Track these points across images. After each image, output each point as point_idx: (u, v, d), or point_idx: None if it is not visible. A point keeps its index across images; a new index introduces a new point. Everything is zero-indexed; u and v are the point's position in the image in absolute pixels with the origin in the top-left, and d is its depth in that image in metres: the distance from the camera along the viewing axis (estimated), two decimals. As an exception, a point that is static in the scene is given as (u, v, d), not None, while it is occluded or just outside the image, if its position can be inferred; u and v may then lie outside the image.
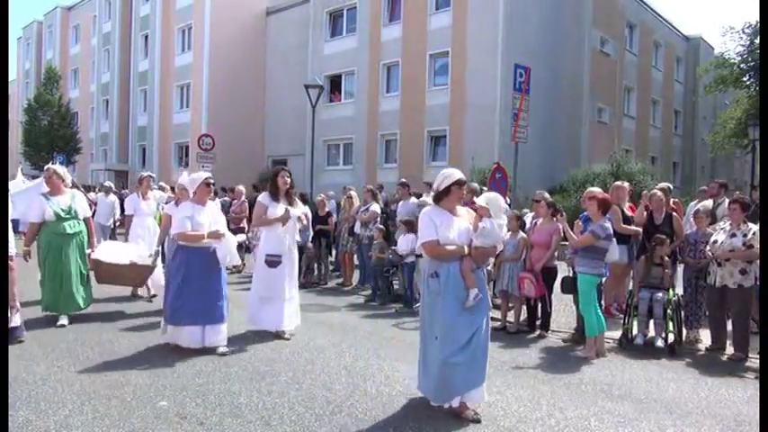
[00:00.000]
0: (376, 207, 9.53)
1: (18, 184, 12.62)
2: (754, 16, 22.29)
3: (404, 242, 8.13)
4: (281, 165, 27.19)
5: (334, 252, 11.05)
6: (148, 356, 5.33)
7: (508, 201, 9.36)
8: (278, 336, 6.09)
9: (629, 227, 6.91)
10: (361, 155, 24.12)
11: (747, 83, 22.32)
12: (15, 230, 16.18)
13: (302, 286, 9.88)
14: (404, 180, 10.58)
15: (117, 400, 4.16)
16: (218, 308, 5.53)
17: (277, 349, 5.72)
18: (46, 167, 6.83)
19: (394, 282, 8.88)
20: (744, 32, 21.88)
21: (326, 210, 10.56)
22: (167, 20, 30.44)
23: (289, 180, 6.16)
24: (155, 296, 7.80)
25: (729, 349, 5.92)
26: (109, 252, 7.01)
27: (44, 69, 36.56)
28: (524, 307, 7.05)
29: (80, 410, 3.96)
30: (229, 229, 13.41)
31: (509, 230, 7.18)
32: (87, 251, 6.77)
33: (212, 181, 5.64)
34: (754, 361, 5.59)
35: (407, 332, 6.69)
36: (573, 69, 23.24)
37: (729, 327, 6.14)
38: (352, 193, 10.42)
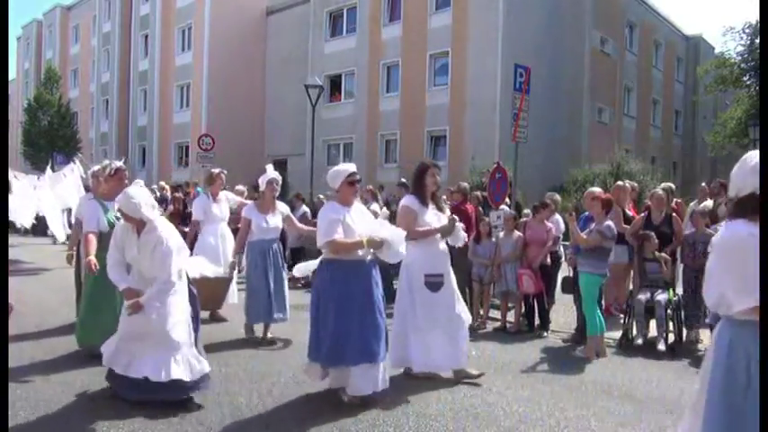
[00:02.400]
0: (376, 207, 9.52)
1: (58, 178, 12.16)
2: (754, 16, 22.28)
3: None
4: (280, 165, 27.42)
5: None
6: (148, 356, 5.32)
7: (508, 201, 9.35)
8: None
9: (628, 227, 6.92)
10: (361, 155, 24.10)
11: (748, 83, 22.32)
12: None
13: (303, 286, 9.89)
14: (403, 180, 10.57)
15: (117, 400, 4.16)
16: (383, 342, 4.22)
17: (277, 350, 5.72)
18: (104, 164, 5.39)
19: (394, 282, 8.87)
20: (744, 32, 21.89)
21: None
22: (167, 19, 30.44)
23: (438, 179, 4.93)
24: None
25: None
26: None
27: (44, 69, 36.55)
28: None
29: (80, 410, 3.96)
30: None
31: (502, 230, 7.20)
32: None
33: (358, 177, 4.45)
34: (754, 361, 5.58)
35: (407, 332, 6.68)
36: (573, 69, 23.24)
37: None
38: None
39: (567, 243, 7.58)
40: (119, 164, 5.30)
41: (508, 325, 6.86)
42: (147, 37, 32.11)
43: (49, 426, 3.70)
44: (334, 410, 4.08)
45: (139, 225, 4.00)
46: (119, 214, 4.50)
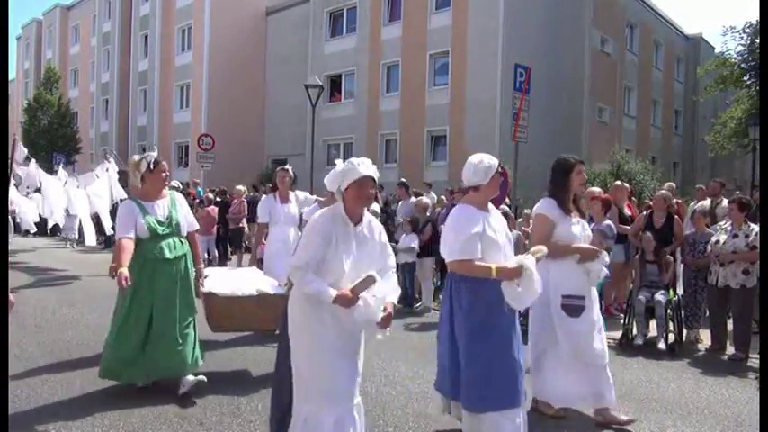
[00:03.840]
0: (376, 207, 9.52)
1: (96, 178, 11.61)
2: (754, 15, 22.27)
3: (405, 242, 8.13)
4: (280, 165, 27.37)
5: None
6: (148, 356, 5.32)
7: (508, 201, 9.36)
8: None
9: (625, 226, 6.92)
10: (361, 155, 23.73)
11: (748, 83, 22.29)
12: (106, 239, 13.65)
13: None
14: (403, 180, 10.58)
15: (117, 399, 4.16)
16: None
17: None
18: (143, 156, 4.34)
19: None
20: (744, 32, 21.86)
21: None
22: (167, 20, 30.44)
23: (585, 176, 4.08)
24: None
25: (730, 349, 5.92)
26: (224, 281, 4.69)
27: (44, 69, 36.56)
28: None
29: (80, 410, 3.95)
30: (228, 230, 13.28)
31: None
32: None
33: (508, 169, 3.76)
34: (754, 361, 5.58)
35: (408, 332, 6.69)
36: (573, 69, 23.23)
37: (729, 327, 6.14)
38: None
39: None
40: (154, 155, 4.30)
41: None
42: (147, 37, 32.10)
43: (48, 426, 3.70)
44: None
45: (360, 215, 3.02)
46: (162, 218, 4.10)
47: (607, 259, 4.02)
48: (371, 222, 3.09)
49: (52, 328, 6.37)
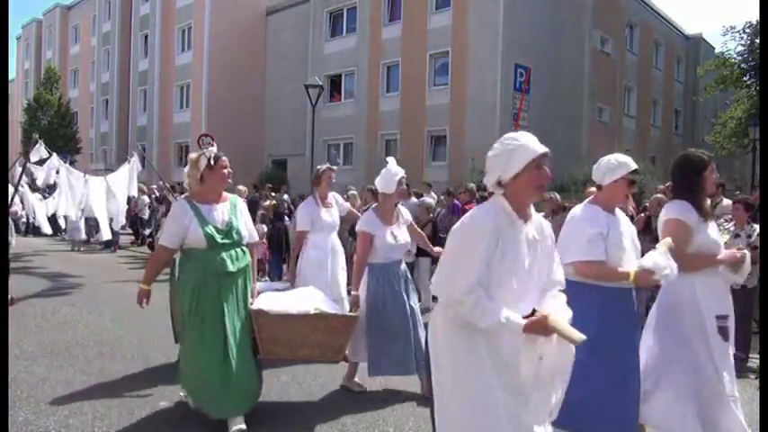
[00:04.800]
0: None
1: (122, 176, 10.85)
2: (754, 15, 22.27)
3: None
4: (280, 165, 27.44)
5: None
6: (148, 356, 5.32)
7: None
8: None
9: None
10: (361, 155, 24.10)
11: (748, 83, 22.29)
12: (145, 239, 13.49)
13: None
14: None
15: (117, 400, 4.16)
16: None
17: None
18: (202, 152, 3.68)
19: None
20: (744, 32, 21.86)
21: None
22: (167, 19, 30.44)
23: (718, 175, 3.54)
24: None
25: (730, 349, 5.91)
26: (277, 299, 3.97)
27: (44, 69, 36.59)
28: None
29: (80, 410, 3.95)
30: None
31: None
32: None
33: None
34: (754, 361, 5.58)
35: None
36: (573, 69, 23.22)
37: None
38: (352, 192, 10.41)
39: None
40: (214, 149, 3.68)
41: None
42: (147, 37, 32.12)
43: (48, 426, 3.69)
44: (335, 410, 4.08)
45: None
46: (221, 224, 3.48)
47: (748, 266, 3.40)
48: (541, 221, 2.40)
49: (52, 328, 6.37)
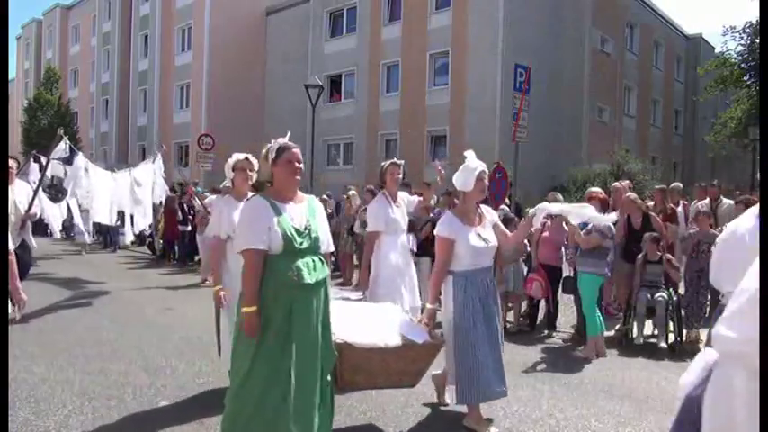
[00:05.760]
0: (376, 207, 9.50)
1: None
2: (754, 15, 22.26)
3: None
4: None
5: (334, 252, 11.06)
6: (148, 356, 5.32)
7: (507, 201, 9.36)
8: None
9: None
10: (361, 155, 24.11)
11: (748, 83, 22.28)
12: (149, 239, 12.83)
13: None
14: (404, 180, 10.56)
15: (117, 400, 4.16)
16: None
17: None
18: (269, 146, 3.10)
19: None
20: (744, 32, 21.85)
21: (329, 211, 10.57)
22: (167, 19, 30.45)
23: None
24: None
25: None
26: (356, 323, 3.52)
27: (44, 69, 36.58)
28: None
29: (80, 410, 3.95)
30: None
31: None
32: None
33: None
34: (754, 361, 5.58)
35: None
36: (573, 69, 23.23)
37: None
38: (352, 192, 10.42)
39: (565, 243, 7.58)
40: (283, 139, 3.12)
41: (508, 325, 6.85)
42: (147, 37, 32.12)
43: (48, 426, 3.70)
44: (335, 410, 4.07)
45: None
46: (300, 227, 2.93)
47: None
48: None
49: (52, 328, 6.37)
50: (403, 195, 5.10)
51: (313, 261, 2.98)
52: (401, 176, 4.94)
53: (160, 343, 5.76)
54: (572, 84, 23.11)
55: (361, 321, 3.52)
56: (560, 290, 6.64)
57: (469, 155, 3.91)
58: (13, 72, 47.31)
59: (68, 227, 14.18)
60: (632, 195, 6.80)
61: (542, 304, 6.94)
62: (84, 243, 14.48)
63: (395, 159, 5.07)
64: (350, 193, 10.38)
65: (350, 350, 3.31)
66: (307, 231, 2.99)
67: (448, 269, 3.72)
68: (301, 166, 3.07)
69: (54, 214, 10.45)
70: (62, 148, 8.91)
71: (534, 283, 6.49)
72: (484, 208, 3.97)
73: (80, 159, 9.57)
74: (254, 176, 3.75)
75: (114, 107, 34.53)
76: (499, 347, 3.77)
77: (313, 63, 25.47)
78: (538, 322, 6.92)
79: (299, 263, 2.91)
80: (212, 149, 18.24)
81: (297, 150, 3.07)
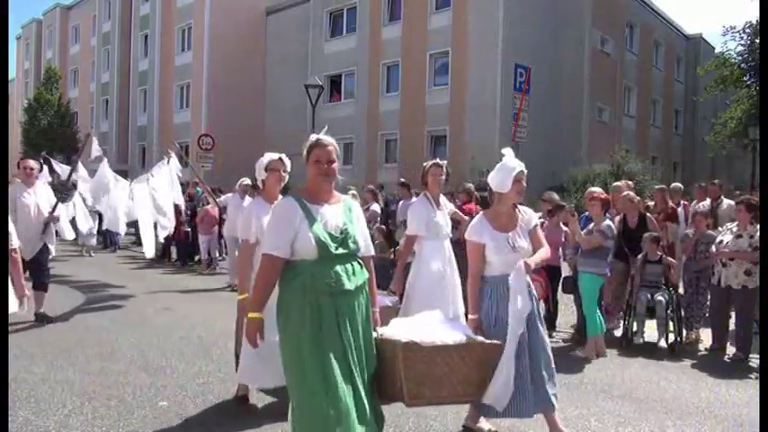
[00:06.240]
0: (376, 207, 9.53)
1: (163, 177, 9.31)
2: (754, 15, 22.25)
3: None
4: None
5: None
6: (148, 356, 5.32)
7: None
8: None
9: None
10: (361, 155, 24.12)
11: (748, 83, 22.28)
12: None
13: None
14: (403, 180, 10.58)
15: (117, 400, 4.16)
16: None
17: (277, 349, 5.70)
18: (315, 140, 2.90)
19: None
20: (744, 32, 21.85)
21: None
22: (167, 19, 30.46)
23: None
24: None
25: (730, 350, 5.91)
26: (416, 325, 3.17)
27: (44, 69, 36.59)
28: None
29: (80, 410, 3.95)
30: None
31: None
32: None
33: None
34: (754, 361, 5.58)
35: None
36: (573, 69, 23.24)
37: (731, 327, 6.13)
38: (352, 192, 10.41)
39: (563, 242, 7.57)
40: (317, 137, 2.92)
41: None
42: (147, 37, 32.12)
43: (48, 426, 3.69)
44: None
45: None
46: (334, 230, 2.73)
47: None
48: None
49: (52, 328, 6.36)
50: (443, 200, 4.82)
51: (352, 266, 2.82)
52: (444, 177, 4.68)
53: (160, 343, 5.76)
54: (572, 84, 23.12)
55: (415, 322, 3.24)
56: (560, 290, 6.64)
57: (507, 153, 3.57)
58: (13, 72, 47.35)
59: (86, 234, 13.66)
60: (630, 194, 6.79)
61: (542, 305, 6.92)
62: (90, 245, 14.38)
63: (437, 160, 4.78)
64: (350, 193, 10.36)
65: (414, 352, 2.93)
66: (342, 236, 2.80)
67: (482, 275, 3.48)
68: (334, 166, 2.82)
69: (63, 215, 10.06)
70: (96, 149, 8.31)
71: (534, 283, 6.46)
72: (523, 210, 3.63)
73: (105, 166, 8.98)
74: (287, 177, 3.62)
75: (114, 107, 34.53)
76: (539, 361, 3.45)
77: (313, 63, 25.47)
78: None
79: (338, 268, 2.75)
80: (212, 149, 18.26)
81: (329, 148, 2.83)
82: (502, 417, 3.43)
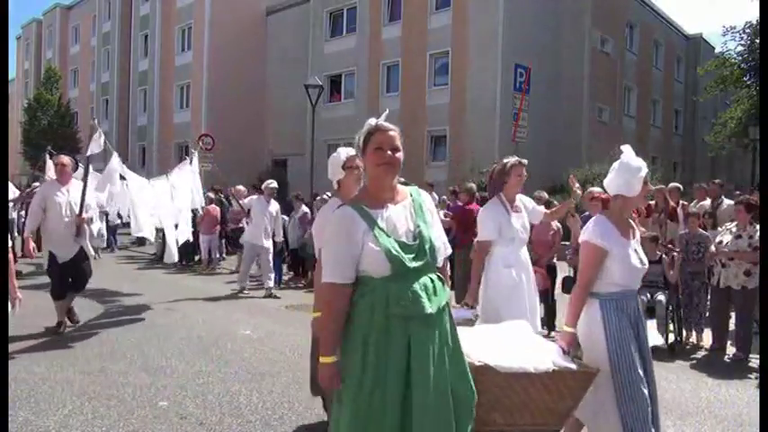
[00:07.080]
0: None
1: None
2: (754, 15, 22.25)
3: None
4: (280, 165, 27.40)
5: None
6: (148, 356, 5.32)
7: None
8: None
9: None
10: (362, 155, 24.09)
11: (748, 83, 22.28)
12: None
13: (304, 286, 9.89)
14: (403, 180, 10.57)
15: (117, 400, 4.16)
16: None
17: (278, 349, 5.71)
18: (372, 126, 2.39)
19: None
20: (744, 32, 21.85)
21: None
22: (167, 19, 30.44)
23: None
24: None
25: (730, 350, 5.92)
26: (499, 339, 2.94)
27: (44, 69, 36.58)
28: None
29: (80, 410, 3.95)
30: (228, 229, 13.16)
31: None
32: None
33: None
34: (754, 361, 5.58)
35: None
36: (573, 69, 23.23)
37: (730, 327, 6.13)
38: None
39: (566, 243, 7.58)
40: (376, 121, 2.43)
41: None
42: (147, 37, 32.11)
43: (48, 426, 3.69)
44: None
45: None
46: (406, 237, 2.23)
47: None
48: None
49: (52, 328, 6.36)
50: (526, 201, 4.34)
51: (431, 281, 2.24)
52: (525, 178, 4.19)
53: (160, 343, 5.76)
54: (572, 84, 23.11)
55: (500, 333, 2.93)
56: (559, 290, 6.64)
57: (627, 150, 3.02)
58: (13, 72, 47.36)
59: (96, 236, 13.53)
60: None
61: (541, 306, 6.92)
62: (99, 246, 14.20)
63: (518, 158, 4.26)
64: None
65: (490, 376, 2.59)
66: (417, 242, 2.23)
67: (592, 288, 3.02)
68: (399, 154, 2.31)
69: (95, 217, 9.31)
70: (99, 140, 7.21)
71: (536, 275, 6.47)
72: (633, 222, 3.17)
73: (115, 160, 8.02)
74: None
75: (114, 107, 34.52)
76: (656, 387, 3.04)
77: (313, 63, 25.47)
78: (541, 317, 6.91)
79: (416, 286, 2.17)
80: (212, 149, 18.25)
81: (392, 133, 2.33)
82: None
